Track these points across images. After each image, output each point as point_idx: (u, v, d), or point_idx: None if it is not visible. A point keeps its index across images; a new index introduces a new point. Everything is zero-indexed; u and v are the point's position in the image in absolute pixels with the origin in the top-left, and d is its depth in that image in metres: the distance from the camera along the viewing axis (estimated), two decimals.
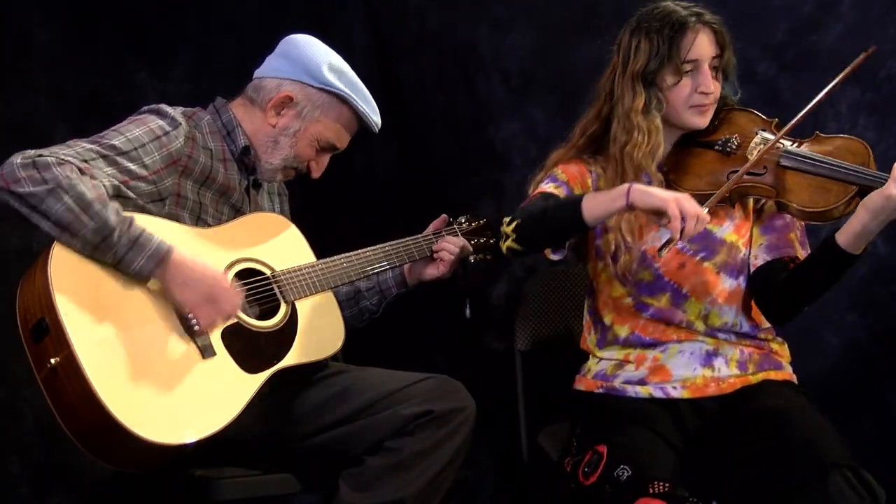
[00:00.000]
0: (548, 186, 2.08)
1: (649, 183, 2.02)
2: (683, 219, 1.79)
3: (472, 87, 3.20)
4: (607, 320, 2.13)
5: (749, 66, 2.67)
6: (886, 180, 1.83)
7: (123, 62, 3.01)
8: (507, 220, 2.00)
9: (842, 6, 2.61)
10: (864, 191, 1.89)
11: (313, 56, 2.14)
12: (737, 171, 1.98)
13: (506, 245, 1.99)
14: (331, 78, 2.12)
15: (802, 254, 2.09)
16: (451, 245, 2.27)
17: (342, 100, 2.14)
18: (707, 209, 1.84)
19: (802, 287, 2.01)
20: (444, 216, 2.35)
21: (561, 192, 2.07)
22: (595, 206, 1.89)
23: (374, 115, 2.18)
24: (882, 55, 2.57)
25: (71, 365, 1.75)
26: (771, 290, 2.05)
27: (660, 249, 1.86)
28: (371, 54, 3.31)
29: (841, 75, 1.94)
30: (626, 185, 1.86)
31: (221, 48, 3.18)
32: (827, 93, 1.94)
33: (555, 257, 2.08)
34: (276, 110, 2.13)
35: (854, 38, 2.58)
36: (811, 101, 1.96)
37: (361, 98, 2.16)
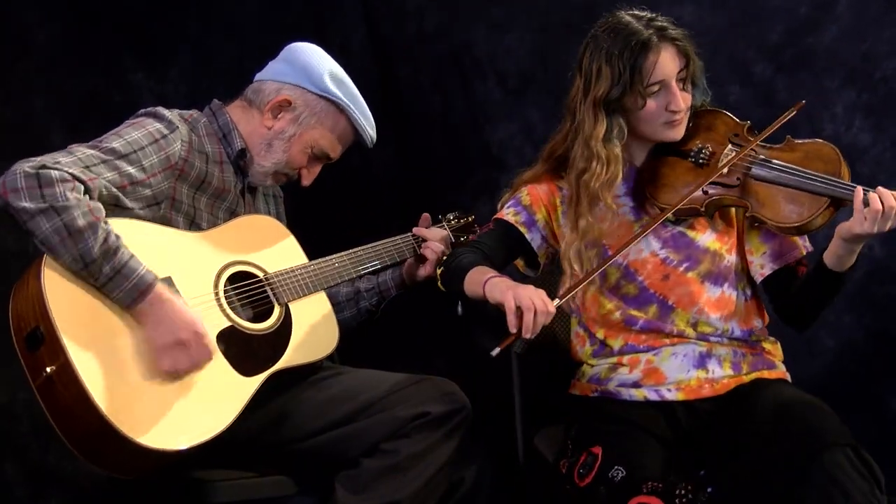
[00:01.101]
0: (508, 212, 2.12)
1: (633, 206, 2.06)
2: (521, 315, 1.80)
3: (469, 89, 3.20)
4: (599, 335, 2.12)
5: (745, 67, 2.69)
6: (854, 190, 1.83)
7: (122, 63, 3.02)
8: (445, 257, 2.10)
9: (838, 7, 2.61)
10: (836, 202, 1.88)
11: (315, 63, 2.14)
12: (713, 184, 1.98)
13: (438, 283, 2.10)
14: (331, 86, 2.12)
15: (806, 246, 2.08)
16: (436, 242, 2.28)
17: (340, 109, 2.14)
18: (557, 301, 1.85)
19: (812, 301, 2.03)
20: (425, 215, 2.37)
21: (518, 220, 2.10)
22: (470, 284, 1.96)
23: (370, 129, 2.19)
24: (878, 57, 2.58)
25: (67, 373, 1.75)
26: (787, 301, 2.06)
27: (493, 353, 1.83)
28: (369, 55, 3.31)
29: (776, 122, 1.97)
30: (486, 277, 1.91)
31: (220, 49, 3.19)
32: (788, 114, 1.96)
33: (528, 272, 2.17)
34: (273, 113, 2.13)
35: (850, 39, 2.59)
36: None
37: (359, 110, 2.16)
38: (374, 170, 3.30)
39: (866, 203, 1.83)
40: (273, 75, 2.16)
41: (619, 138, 2.02)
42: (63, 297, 1.80)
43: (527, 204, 2.11)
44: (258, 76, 2.18)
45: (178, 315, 1.87)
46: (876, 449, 2.49)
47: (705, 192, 2.00)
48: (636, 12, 2.03)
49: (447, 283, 2.06)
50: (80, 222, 1.79)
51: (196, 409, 1.86)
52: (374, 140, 2.21)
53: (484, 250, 2.07)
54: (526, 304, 1.80)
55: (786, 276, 2.05)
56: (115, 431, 1.74)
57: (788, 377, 2.10)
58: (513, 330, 1.81)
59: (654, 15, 2.02)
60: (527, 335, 1.82)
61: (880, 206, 1.81)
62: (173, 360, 1.86)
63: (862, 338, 2.68)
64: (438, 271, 2.08)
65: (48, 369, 1.76)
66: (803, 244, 2.08)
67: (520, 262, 2.18)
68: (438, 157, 3.29)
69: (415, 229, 2.33)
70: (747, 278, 2.11)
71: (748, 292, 2.11)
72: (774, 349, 2.13)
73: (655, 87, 1.99)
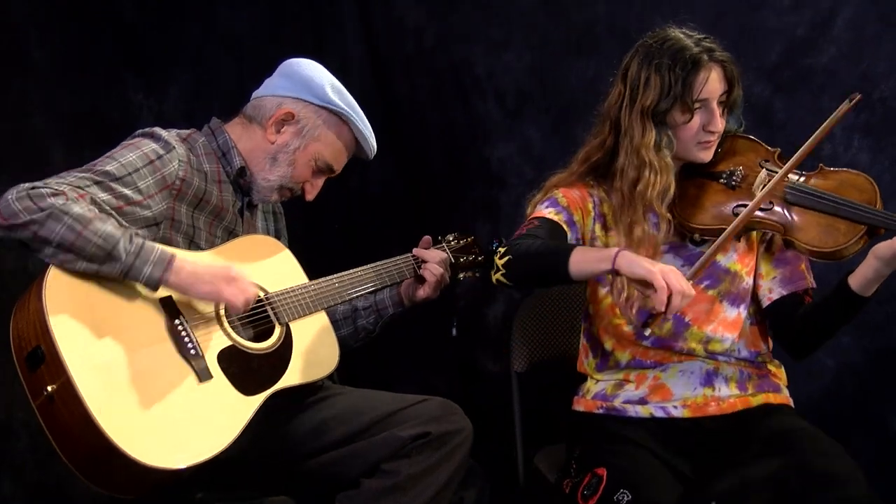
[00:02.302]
0: (548, 211, 2.07)
1: (657, 222, 2.03)
2: (670, 293, 1.77)
3: (467, 106, 3.22)
4: (608, 346, 2.12)
5: (744, 87, 2.69)
6: (892, 219, 1.84)
7: (121, 81, 3.02)
8: (501, 250, 1.96)
9: (835, 28, 2.62)
10: (872, 231, 1.89)
11: (315, 75, 2.15)
12: (742, 205, 1.98)
13: (495, 277, 1.97)
14: (333, 96, 2.12)
15: (812, 281, 2.09)
16: (436, 264, 2.27)
17: (343, 119, 2.14)
18: (692, 281, 1.83)
19: (819, 326, 2.01)
20: (426, 237, 2.36)
21: (560, 219, 2.05)
22: (582, 262, 1.86)
23: (371, 139, 2.19)
24: (875, 77, 2.58)
25: (68, 392, 1.74)
26: (789, 326, 2.06)
27: (644, 325, 1.85)
28: (368, 72, 3.33)
29: (825, 125, 1.93)
30: (613, 250, 1.84)
31: (219, 67, 3.20)
32: (830, 125, 1.92)
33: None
34: (276, 127, 2.13)
35: (847, 59, 2.60)
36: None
37: (361, 120, 2.16)
38: (373, 188, 3.32)
39: None
40: (272, 90, 2.16)
41: (668, 148, 2.02)
42: (64, 316, 1.79)
43: (565, 205, 2.08)
44: (256, 93, 2.18)
45: (209, 266, 1.93)
46: (876, 469, 2.50)
47: (735, 215, 1.99)
48: (686, 30, 2.05)
49: (521, 269, 1.93)
50: (88, 214, 1.81)
51: (197, 428, 1.85)
52: (375, 152, 2.22)
53: (543, 238, 1.99)
54: (676, 286, 1.76)
55: (791, 304, 2.06)
56: (117, 450, 1.73)
57: (791, 402, 2.11)
58: (662, 309, 1.77)
59: (703, 35, 2.04)
60: (669, 315, 1.80)
61: None
62: (238, 292, 1.92)
63: (861, 358, 2.67)
64: (501, 261, 1.94)
65: (49, 388, 1.75)
66: (811, 278, 2.09)
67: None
68: (437, 174, 3.31)
69: (415, 250, 2.33)
70: (757, 302, 2.12)
71: (757, 316, 2.12)
72: (779, 372, 2.14)
73: (699, 105, 2.00)
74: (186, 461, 1.80)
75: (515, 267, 1.93)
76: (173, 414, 1.84)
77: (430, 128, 3.30)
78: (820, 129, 1.92)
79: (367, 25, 3.34)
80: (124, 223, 1.92)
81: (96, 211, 1.84)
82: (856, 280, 1.89)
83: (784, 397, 2.10)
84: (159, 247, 1.87)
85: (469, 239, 2.44)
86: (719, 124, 2.02)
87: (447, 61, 3.23)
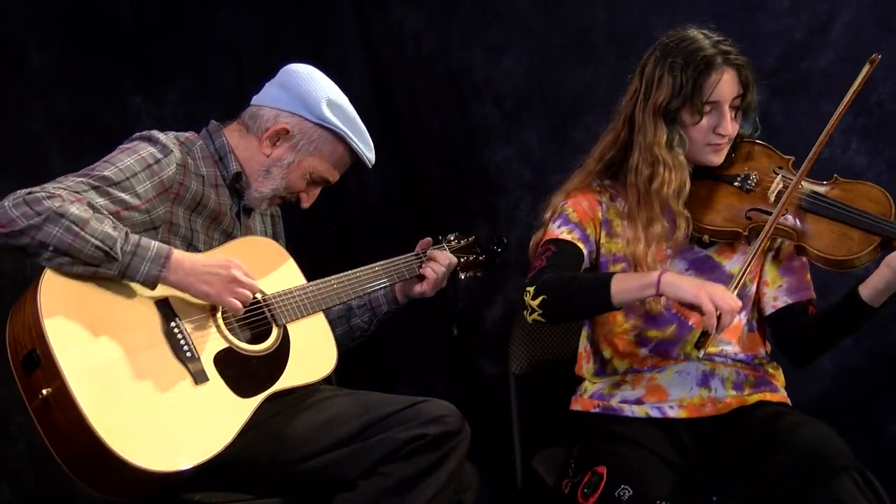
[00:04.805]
0: (560, 231, 2.07)
1: (674, 220, 2.03)
2: (719, 314, 1.79)
3: (466, 111, 3.23)
4: (606, 354, 2.13)
5: None
6: None
7: (120, 86, 3.03)
8: (530, 290, 1.95)
9: (832, 33, 2.63)
10: (886, 242, 1.89)
11: (312, 90, 2.13)
12: (756, 210, 1.99)
13: (531, 318, 1.96)
14: (328, 114, 2.12)
15: (813, 293, 2.10)
16: (438, 263, 2.29)
17: (338, 137, 2.14)
18: (735, 290, 1.84)
19: (825, 335, 2.02)
20: (428, 239, 2.37)
21: (574, 237, 2.06)
22: (625, 292, 1.88)
23: (368, 152, 2.19)
24: (873, 80, 2.57)
25: (63, 395, 1.75)
26: (793, 335, 2.07)
27: (698, 346, 1.86)
28: (368, 77, 3.34)
29: (850, 93, 1.92)
30: (655, 274, 1.86)
31: (218, 72, 3.21)
32: (836, 119, 1.93)
33: None
34: (271, 141, 2.13)
35: (844, 63, 2.61)
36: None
37: (357, 135, 2.16)
38: (373, 191, 3.33)
39: None
40: (270, 101, 2.15)
41: (680, 147, 2.03)
42: (59, 319, 1.80)
43: (576, 220, 2.09)
44: (255, 99, 2.19)
45: (209, 262, 1.93)
46: (874, 472, 2.49)
47: (748, 218, 2.01)
48: (706, 31, 2.05)
49: (560, 307, 1.94)
50: (85, 215, 1.81)
51: (192, 431, 1.86)
52: (373, 162, 2.22)
53: (563, 265, 2.01)
54: (724, 306, 1.79)
55: (796, 313, 2.07)
56: (111, 453, 1.73)
57: (789, 402, 2.11)
58: (712, 332, 1.81)
59: (722, 38, 2.04)
60: (719, 334, 1.83)
61: None
62: (237, 295, 1.92)
63: (861, 361, 2.68)
64: (535, 302, 1.95)
65: (44, 392, 1.75)
66: (812, 290, 2.10)
67: None
68: (436, 178, 3.31)
69: (424, 249, 2.34)
70: (758, 309, 2.13)
71: (754, 323, 2.13)
72: (777, 373, 2.15)
73: (709, 107, 2.01)
74: (182, 464, 1.80)
75: (553, 306, 1.93)
76: (169, 417, 1.84)
77: (430, 132, 3.31)
78: (843, 103, 1.91)
79: (366, 31, 3.35)
80: (123, 226, 1.91)
81: (92, 212, 1.85)
82: (867, 290, 1.90)
83: (781, 396, 2.11)
84: (156, 243, 1.88)
85: (470, 239, 2.45)
86: (729, 127, 2.02)
87: (446, 66, 3.24)
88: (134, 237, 1.86)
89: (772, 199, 1.99)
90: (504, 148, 3.17)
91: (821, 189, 1.99)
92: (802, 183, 1.98)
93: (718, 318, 1.79)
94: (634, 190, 2.06)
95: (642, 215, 2.05)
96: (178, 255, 1.89)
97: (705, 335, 1.85)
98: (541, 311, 1.94)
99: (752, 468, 1.85)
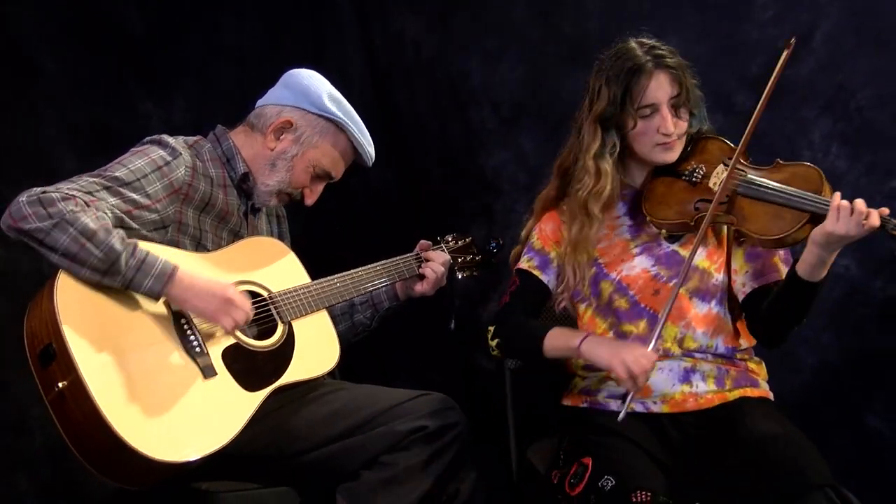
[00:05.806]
0: (523, 262, 2.23)
1: (631, 224, 2.15)
2: (633, 377, 1.92)
3: (464, 116, 3.25)
4: None
5: (728, 96, 2.74)
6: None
7: (130, 91, 3.03)
8: (490, 329, 2.18)
9: (814, 41, 2.67)
10: (815, 217, 1.94)
11: (314, 86, 2.19)
12: (704, 200, 2.06)
13: (494, 353, 2.20)
14: (330, 105, 2.17)
15: (781, 276, 2.12)
16: (437, 263, 2.33)
17: (340, 127, 2.19)
18: (651, 348, 1.96)
19: (781, 314, 2.06)
20: (427, 242, 2.41)
21: (532, 265, 2.19)
22: (555, 349, 2.08)
23: (368, 147, 2.24)
24: (853, 88, 2.63)
25: (78, 388, 1.78)
26: (758, 317, 2.10)
27: (620, 417, 1.96)
28: (368, 82, 3.35)
29: (771, 81, 2.02)
30: (578, 338, 2.03)
31: (224, 77, 3.21)
32: (761, 107, 2.01)
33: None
34: (275, 134, 2.18)
35: (826, 71, 2.65)
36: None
37: (358, 129, 2.21)
38: (373, 192, 3.32)
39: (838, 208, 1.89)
40: (274, 100, 2.21)
41: (611, 154, 2.11)
42: (75, 314, 1.84)
43: (538, 248, 2.22)
44: (259, 102, 2.23)
45: (210, 283, 1.96)
46: (854, 465, 2.53)
47: (696, 209, 2.08)
48: (643, 39, 2.12)
49: (510, 351, 2.23)
50: (94, 225, 1.84)
51: (202, 423, 1.89)
52: (373, 159, 2.26)
53: (521, 308, 2.18)
54: (636, 369, 1.92)
55: (762, 296, 2.10)
56: (123, 444, 1.77)
57: (771, 396, 2.15)
58: (633, 392, 1.95)
59: (657, 43, 2.11)
60: (637, 393, 1.97)
61: (849, 205, 1.87)
62: (232, 316, 1.95)
63: (840, 356, 2.71)
64: (493, 342, 2.18)
65: (60, 384, 1.79)
66: (785, 268, 2.11)
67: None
68: (435, 180, 3.32)
69: (420, 251, 2.38)
70: (735, 299, 2.16)
71: (735, 313, 2.16)
72: (759, 368, 2.18)
73: (647, 111, 2.07)
74: (192, 455, 1.84)
75: (506, 349, 2.20)
76: (179, 409, 1.87)
77: (428, 136, 3.32)
78: (767, 87, 2.02)
79: (367, 38, 3.37)
80: (131, 229, 1.95)
81: (103, 221, 1.87)
82: (802, 266, 1.95)
83: (762, 391, 2.13)
84: (162, 259, 1.90)
85: (467, 240, 2.49)
86: (671, 126, 2.07)
87: (445, 72, 3.25)
88: (141, 251, 1.89)
89: (715, 189, 2.06)
90: (501, 152, 3.19)
91: (760, 174, 2.05)
92: (745, 170, 2.05)
93: (634, 380, 1.92)
94: (572, 196, 2.17)
95: (567, 224, 2.17)
96: (181, 273, 1.92)
97: (626, 394, 1.97)
98: (497, 351, 2.19)
99: (731, 478, 1.87)
